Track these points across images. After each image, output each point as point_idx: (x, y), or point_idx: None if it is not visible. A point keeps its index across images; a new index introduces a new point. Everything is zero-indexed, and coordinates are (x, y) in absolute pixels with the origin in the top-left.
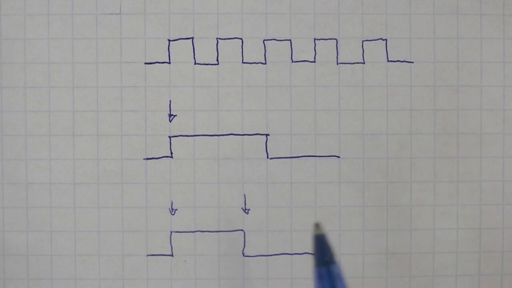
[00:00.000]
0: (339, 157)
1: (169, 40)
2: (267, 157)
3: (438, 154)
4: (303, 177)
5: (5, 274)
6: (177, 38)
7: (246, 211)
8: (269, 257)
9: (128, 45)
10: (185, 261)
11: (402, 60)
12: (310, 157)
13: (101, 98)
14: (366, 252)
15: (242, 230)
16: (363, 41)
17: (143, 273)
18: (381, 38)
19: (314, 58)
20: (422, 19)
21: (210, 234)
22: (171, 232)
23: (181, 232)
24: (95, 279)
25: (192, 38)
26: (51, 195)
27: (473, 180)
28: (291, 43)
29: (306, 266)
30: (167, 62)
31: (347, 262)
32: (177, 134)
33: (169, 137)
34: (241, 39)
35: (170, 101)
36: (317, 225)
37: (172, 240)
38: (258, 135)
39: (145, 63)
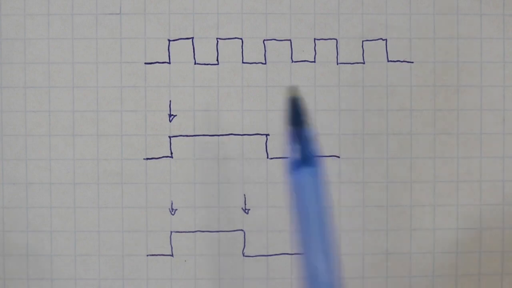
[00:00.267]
0: (339, 157)
1: (169, 40)
2: (267, 157)
3: (438, 154)
4: None
5: (5, 274)
6: (177, 38)
7: (246, 211)
8: (269, 257)
9: (128, 45)
10: (185, 261)
11: (402, 60)
12: None
13: (101, 98)
14: (366, 252)
15: (242, 230)
16: (363, 41)
17: (143, 273)
18: (381, 38)
19: (314, 58)
20: (422, 19)
21: (210, 234)
22: (171, 232)
23: (181, 232)
24: (95, 279)
25: (192, 38)
26: (51, 195)
27: (473, 180)
28: (291, 43)
29: None
30: (167, 62)
31: (347, 262)
32: (177, 134)
33: (169, 137)
34: (241, 39)
35: (170, 101)
36: (292, 88)
37: (172, 240)
38: (258, 135)
39: (145, 63)
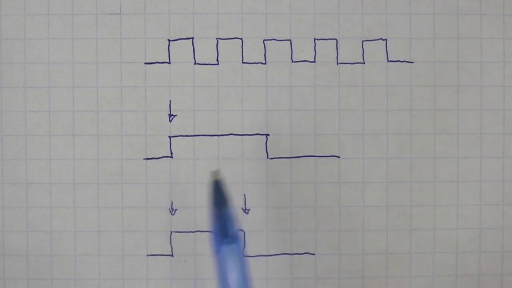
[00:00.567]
0: (339, 157)
1: (169, 40)
2: (267, 157)
3: (438, 154)
4: (303, 177)
5: (5, 274)
6: (177, 38)
7: (246, 211)
8: (269, 257)
9: (128, 45)
10: (185, 261)
11: (402, 60)
12: (310, 157)
13: (101, 98)
14: (366, 252)
15: (242, 230)
16: (363, 41)
17: (143, 273)
18: (381, 38)
19: (314, 58)
20: (422, 19)
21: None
22: (171, 232)
23: (181, 232)
24: (95, 279)
25: (192, 38)
26: (51, 195)
27: (473, 180)
28: (291, 43)
29: (306, 266)
30: (167, 62)
31: (347, 262)
32: (177, 134)
33: (169, 137)
34: (241, 39)
35: (170, 101)
36: (215, 172)
37: (172, 240)
38: (258, 135)
39: (145, 63)
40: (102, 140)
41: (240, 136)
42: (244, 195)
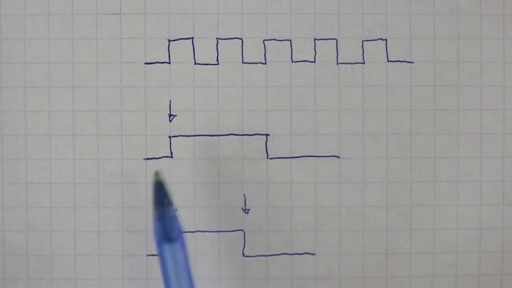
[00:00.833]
0: (339, 157)
1: (169, 40)
2: (267, 157)
3: (438, 154)
4: (303, 177)
5: (5, 274)
6: (177, 38)
7: (246, 211)
8: (269, 257)
9: (128, 45)
10: None
11: (402, 60)
12: (310, 157)
13: (101, 98)
14: (366, 252)
15: (242, 230)
16: (363, 41)
17: (143, 273)
18: (381, 38)
19: (314, 58)
20: (422, 19)
21: (210, 234)
22: None
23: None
24: (95, 279)
25: (192, 38)
26: (51, 195)
27: (473, 180)
28: (291, 43)
29: (306, 266)
30: (167, 62)
31: (347, 262)
32: (177, 134)
33: (169, 137)
34: (241, 39)
35: (170, 101)
36: (156, 173)
37: None
38: (258, 135)
39: (145, 63)
40: (102, 140)
41: (240, 136)
42: (244, 195)
